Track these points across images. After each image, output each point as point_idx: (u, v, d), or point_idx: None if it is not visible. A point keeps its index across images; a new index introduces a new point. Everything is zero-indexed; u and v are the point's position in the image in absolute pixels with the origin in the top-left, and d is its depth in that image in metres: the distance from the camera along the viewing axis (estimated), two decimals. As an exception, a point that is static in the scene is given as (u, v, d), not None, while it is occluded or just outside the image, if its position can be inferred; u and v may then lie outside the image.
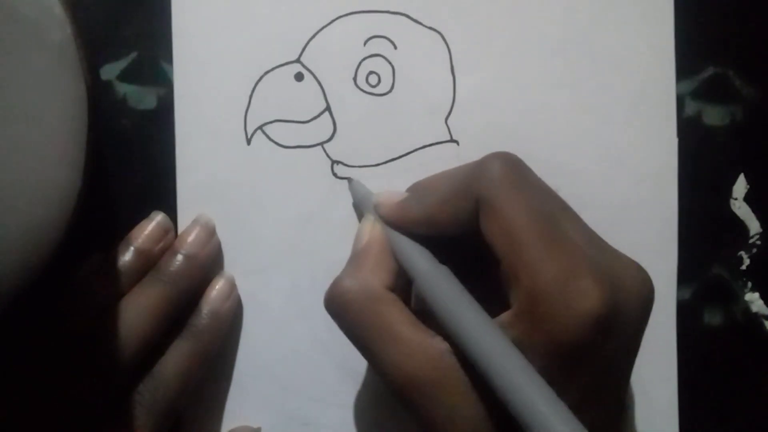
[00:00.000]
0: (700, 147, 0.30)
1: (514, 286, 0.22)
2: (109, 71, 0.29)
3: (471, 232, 0.23)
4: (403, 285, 0.25)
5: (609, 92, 0.30)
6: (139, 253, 0.28)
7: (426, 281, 0.23)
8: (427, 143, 0.29)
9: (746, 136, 0.30)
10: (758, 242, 0.30)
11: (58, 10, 0.26)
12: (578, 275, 0.21)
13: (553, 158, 0.29)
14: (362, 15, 0.29)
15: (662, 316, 0.29)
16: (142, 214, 0.29)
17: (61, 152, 0.25)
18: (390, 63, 0.29)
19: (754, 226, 0.30)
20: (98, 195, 0.29)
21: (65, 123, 0.25)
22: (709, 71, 0.30)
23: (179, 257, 0.28)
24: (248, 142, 0.29)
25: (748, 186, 0.30)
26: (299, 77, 0.29)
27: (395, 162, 0.29)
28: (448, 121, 0.29)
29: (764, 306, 0.30)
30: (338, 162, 0.29)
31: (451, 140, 0.29)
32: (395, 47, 0.29)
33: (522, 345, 0.21)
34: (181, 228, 0.29)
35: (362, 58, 0.29)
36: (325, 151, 0.29)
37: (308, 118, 0.29)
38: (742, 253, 0.30)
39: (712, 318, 0.30)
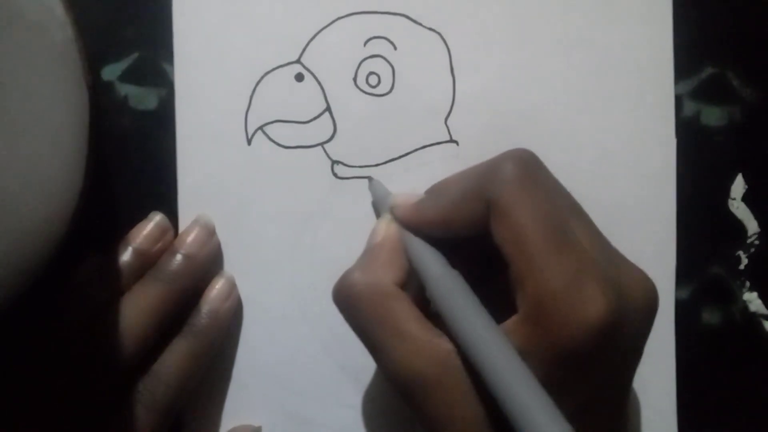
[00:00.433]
0: (699, 147, 0.30)
1: (520, 290, 0.22)
2: (110, 72, 0.29)
3: (484, 235, 0.23)
4: (414, 285, 0.25)
5: (608, 92, 0.30)
6: (138, 253, 0.28)
7: (436, 285, 0.23)
8: (427, 143, 0.30)
9: (744, 137, 0.30)
10: (756, 242, 0.30)
11: (60, 11, 0.26)
12: (585, 282, 0.21)
13: (552, 158, 0.29)
14: (362, 16, 0.29)
15: (661, 315, 0.29)
16: (143, 214, 0.29)
17: (62, 152, 0.25)
18: (390, 63, 0.29)
19: (752, 226, 0.30)
20: (99, 195, 0.29)
21: (66, 123, 0.25)
22: (707, 71, 0.30)
23: (178, 257, 0.28)
24: (249, 142, 0.29)
25: (747, 186, 0.30)
26: (299, 78, 0.29)
27: (395, 162, 0.29)
28: (448, 122, 0.30)
29: (762, 305, 0.31)
30: (338, 162, 0.29)
31: (451, 140, 0.30)
32: (395, 48, 0.29)
33: (527, 350, 0.21)
34: (181, 228, 0.29)
35: (362, 58, 0.29)
36: (325, 151, 0.29)
37: (308, 119, 0.29)
38: (741, 252, 0.31)
39: (711, 318, 0.30)
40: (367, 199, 0.29)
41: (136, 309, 0.26)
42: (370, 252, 0.26)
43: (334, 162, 0.29)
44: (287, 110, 0.29)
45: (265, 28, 0.29)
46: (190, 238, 0.28)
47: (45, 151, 0.23)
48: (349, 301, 0.24)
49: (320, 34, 0.29)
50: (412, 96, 0.29)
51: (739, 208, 0.30)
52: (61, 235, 0.26)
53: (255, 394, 0.29)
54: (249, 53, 0.29)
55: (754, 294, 0.31)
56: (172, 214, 0.29)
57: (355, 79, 0.29)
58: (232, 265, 0.29)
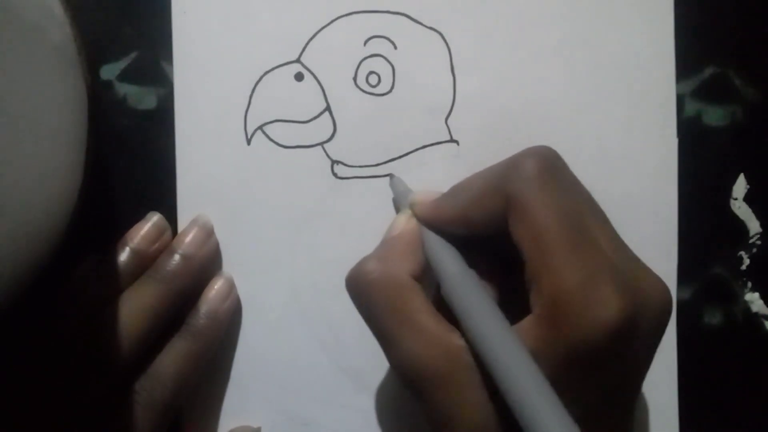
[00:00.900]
0: (700, 147, 0.30)
1: (535, 289, 0.22)
2: (109, 71, 0.29)
3: (503, 233, 0.23)
4: (429, 281, 0.25)
5: (609, 92, 0.30)
6: (135, 254, 0.28)
7: (452, 282, 0.23)
8: (427, 143, 0.29)
9: (746, 136, 0.30)
10: (758, 242, 0.30)
11: (58, 11, 0.26)
12: (601, 283, 0.21)
13: (553, 158, 0.29)
14: (362, 15, 0.29)
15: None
16: (142, 214, 0.29)
17: (61, 152, 0.25)
18: (390, 63, 0.29)
19: (754, 226, 0.30)
20: (98, 195, 0.29)
21: (65, 123, 0.25)
22: (709, 71, 0.30)
23: (176, 257, 0.28)
24: (248, 142, 0.29)
25: (748, 186, 0.30)
26: (299, 77, 0.29)
27: (395, 162, 0.29)
28: (448, 121, 0.29)
29: (764, 306, 0.30)
30: (338, 162, 0.29)
31: (451, 140, 0.29)
32: (395, 47, 0.29)
33: (540, 350, 0.21)
34: (181, 228, 0.29)
35: (362, 58, 0.29)
36: (325, 151, 0.29)
37: (308, 118, 0.29)
38: (742, 253, 0.30)
39: (712, 318, 0.30)
40: (367, 199, 0.29)
41: (134, 309, 0.26)
42: (387, 243, 0.26)
43: (334, 162, 0.29)
44: (287, 110, 0.29)
45: (265, 28, 0.29)
46: (188, 239, 0.28)
47: (43, 151, 0.23)
48: (363, 288, 0.24)
49: (320, 34, 0.29)
50: (413, 95, 0.29)
51: (740, 208, 0.30)
52: (60, 234, 0.26)
53: (254, 394, 0.29)
54: (248, 52, 0.29)
55: (756, 294, 0.30)
56: (171, 214, 0.29)
57: (355, 79, 0.29)
58: (231, 265, 0.29)
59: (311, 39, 0.29)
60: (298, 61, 0.29)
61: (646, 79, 0.30)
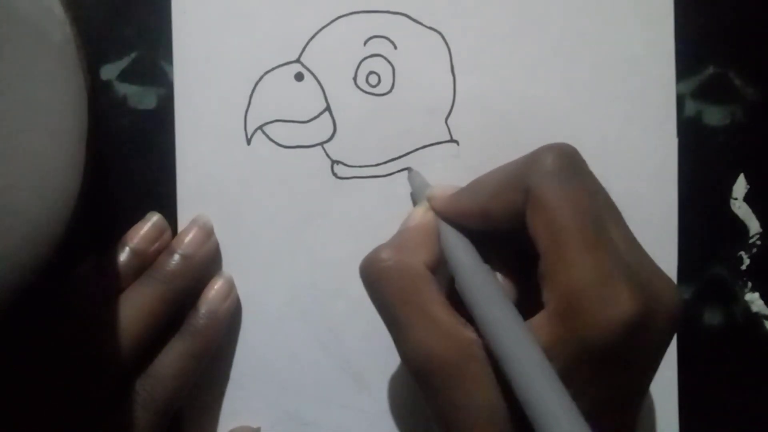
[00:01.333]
0: (700, 147, 0.30)
1: (550, 284, 0.22)
2: (109, 71, 0.29)
3: (520, 228, 0.23)
4: (443, 274, 0.25)
5: (609, 92, 0.30)
6: (135, 254, 0.28)
7: (466, 276, 0.23)
8: (427, 143, 0.29)
9: (746, 136, 0.30)
10: (758, 242, 0.30)
11: (58, 11, 0.26)
12: (615, 281, 0.21)
13: (553, 158, 0.29)
14: (362, 15, 0.29)
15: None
16: (142, 214, 0.29)
17: (61, 152, 0.25)
18: (390, 63, 0.29)
19: (754, 226, 0.30)
20: (98, 195, 0.29)
21: (65, 123, 0.25)
22: (709, 71, 0.30)
23: (176, 257, 0.28)
24: (248, 142, 0.29)
25: (748, 186, 0.30)
26: (299, 77, 0.29)
27: (395, 162, 0.29)
28: (448, 121, 0.29)
29: (764, 306, 0.30)
30: (338, 162, 0.29)
31: (451, 140, 0.29)
32: (395, 47, 0.29)
33: (553, 346, 0.21)
34: (181, 228, 0.29)
35: (362, 58, 0.29)
36: (325, 151, 0.29)
37: (308, 118, 0.29)
38: (742, 253, 0.30)
39: (712, 318, 0.30)
40: (367, 199, 0.29)
41: (134, 309, 0.26)
42: (403, 233, 0.26)
43: (334, 162, 0.29)
44: (287, 110, 0.29)
45: (265, 27, 0.29)
46: (187, 238, 0.28)
47: (43, 151, 0.23)
48: (377, 276, 0.24)
49: (320, 34, 0.29)
50: (413, 95, 0.29)
51: (741, 208, 0.30)
52: (60, 234, 0.26)
53: (254, 394, 0.29)
54: (248, 52, 0.29)
55: (756, 294, 0.30)
56: (171, 214, 0.29)
57: (355, 79, 0.29)
58: (231, 265, 0.29)
59: (311, 39, 0.29)
60: (298, 61, 0.29)
61: (646, 79, 0.30)
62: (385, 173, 0.29)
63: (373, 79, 0.29)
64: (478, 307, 0.22)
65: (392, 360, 0.29)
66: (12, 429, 0.25)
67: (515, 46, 0.29)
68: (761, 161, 0.30)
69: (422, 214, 0.26)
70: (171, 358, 0.27)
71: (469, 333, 0.23)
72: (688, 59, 0.30)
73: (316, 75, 0.29)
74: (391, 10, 0.29)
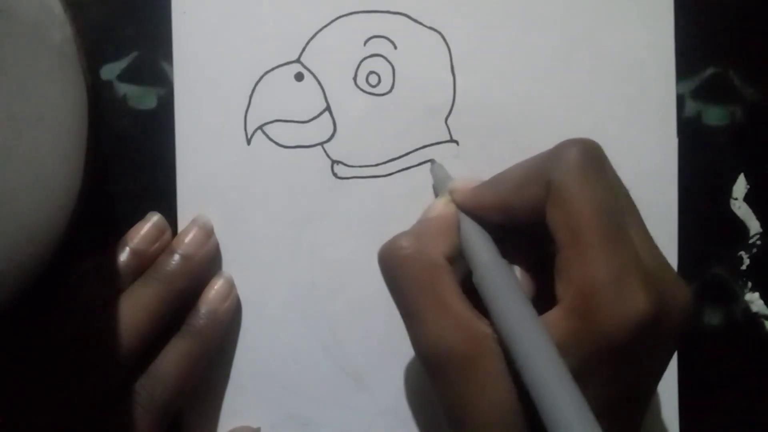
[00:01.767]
0: (700, 147, 0.30)
1: (566, 280, 0.22)
2: (110, 71, 0.29)
3: (540, 223, 0.23)
4: (461, 267, 0.25)
5: (609, 92, 0.29)
6: (135, 254, 0.28)
7: (484, 270, 0.23)
8: (427, 143, 0.29)
9: (746, 136, 0.30)
10: (758, 242, 0.30)
11: (59, 11, 0.26)
12: (631, 278, 0.21)
13: (553, 158, 0.29)
14: (362, 15, 0.29)
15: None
16: (142, 214, 0.29)
17: (61, 152, 0.25)
18: (390, 63, 0.29)
19: (754, 226, 0.30)
20: (98, 195, 0.29)
21: (65, 123, 0.25)
22: (709, 71, 0.30)
23: (176, 257, 0.28)
24: (248, 142, 0.29)
25: (748, 186, 0.30)
26: (299, 77, 0.29)
27: (395, 162, 0.29)
28: (448, 121, 0.29)
29: (764, 306, 0.30)
30: (338, 162, 0.29)
31: (451, 140, 0.29)
32: (395, 47, 0.29)
33: (567, 342, 0.21)
34: (181, 228, 0.29)
35: (362, 58, 0.29)
36: (325, 151, 0.29)
37: (308, 118, 0.29)
38: (742, 253, 0.30)
39: (712, 318, 0.30)
40: (367, 199, 0.29)
41: (134, 309, 0.26)
42: (423, 223, 0.26)
43: (334, 162, 0.29)
44: (287, 110, 0.29)
45: (265, 28, 0.29)
46: (188, 239, 0.28)
47: (44, 151, 0.23)
48: (394, 263, 0.24)
49: (320, 34, 0.29)
50: (413, 95, 0.29)
51: (741, 208, 0.30)
52: (60, 234, 0.26)
53: (254, 394, 0.29)
54: (248, 52, 0.29)
55: (756, 294, 0.30)
56: (171, 214, 0.29)
57: (355, 79, 0.29)
58: (231, 265, 0.29)
59: (311, 39, 0.29)
60: (298, 61, 0.29)
61: (646, 79, 0.30)
62: (385, 173, 0.29)
63: (373, 79, 0.29)
64: (494, 302, 0.22)
65: (392, 360, 0.29)
66: (12, 429, 0.25)
67: (515, 46, 0.29)
68: (761, 161, 0.30)
69: (443, 205, 0.26)
70: (171, 359, 0.27)
71: (484, 327, 0.23)
72: (688, 59, 0.30)
73: (316, 75, 0.29)
74: (391, 10, 0.29)
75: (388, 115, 0.29)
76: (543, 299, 0.23)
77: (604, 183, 0.23)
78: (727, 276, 0.30)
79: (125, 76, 0.29)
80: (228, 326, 0.29)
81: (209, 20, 0.29)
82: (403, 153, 0.29)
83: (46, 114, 0.24)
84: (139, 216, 0.29)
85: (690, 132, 0.30)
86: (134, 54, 0.29)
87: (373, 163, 0.29)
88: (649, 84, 0.30)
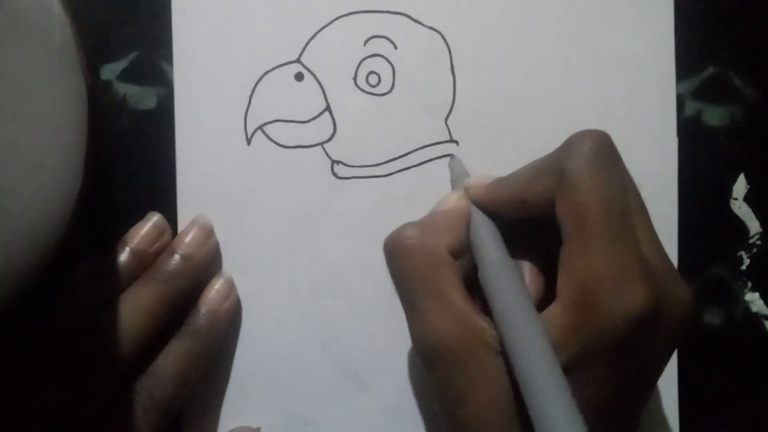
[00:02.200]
0: (700, 147, 0.30)
1: (567, 273, 0.22)
2: (109, 71, 0.29)
3: (552, 216, 0.23)
4: (466, 263, 0.25)
5: (609, 92, 0.30)
6: (135, 254, 0.28)
7: (490, 268, 0.23)
8: (427, 143, 0.29)
9: (746, 136, 0.30)
10: (758, 242, 0.30)
11: (58, 10, 0.26)
12: (632, 274, 0.21)
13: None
14: (362, 15, 0.29)
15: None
16: (142, 214, 0.29)
17: (61, 152, 0.25)
18: (390, 63, 0.29)
19: (754, 226, 0.30)
20: (98, 195, 0.29)
21: (65, 123, 0.25)
22: (709, 71, 0.30)
23: (176, 257, 0.28)
24: (248, 142, 0.29)
25: (748, 186, 0.30)
26: (299, 77, 0.29)
27: (395, 162, 0.29)
28: (448, 121, 0.29)
29: (764, 306, 0.30)
30: (338, 162, 0.29)
31: (451, 140, 0.29)
32: (395, 47, 0.29)
33: (566, 337, 0.21)
34: (181, 228, 0.29)
35: (362, 58, 0.29)
36: (325, 151, 0.29)
37: (308, 118, 0.29)
38: (742, 253, 0.30)
39: (713, 318, 0.30)
40: (367, 199, 0.29)
41: (134, 309, 0.26)
42: (432, 215, 0.26)
43: (334, 162, 0.29)
44: (287, 110, 0.29)
45: (265, 27, 0.29)
46: (188, 239, 0.28)
47: (43, 151, 0.23)
48: (399, 252, 0.24)
49: (320, 34, 0.29)
50: (413, 95, 0.29)
51: (741, 208, 0.30)
52: (60, 234, 0.26)
53: (254, 394, 0.29)
54: (248, 52, 0.29)
55: (756, 294, 0.30)
56: (171, 214, 0.29)
57: (355, 79, 0.29)
58: (231, 265, 0.29)
59: (311, 39, 0.29)
60: (298, 61, 0.29)
61: (646, 79, 0.30)
62: (385, 173, 0.29)
63: (373, 79, 0.29)
64: (495, 298, 0.23)
65: (392, 360, 0.29)
66: (12, 429, 0.25)
67: (515, 46, 0.29)
68: (761, 161, 0.30)
69: (455, 199, 0.26)
70: (171, 359, 0.27)
71: (481, 321, 0.23)
72: (688, 59, 0.30)
73: (316, 75, 0.29)
74: (391, 10, 0.29)
75: (388, 115, 0.29)
76: (552, 298, 0.23)
77: (616, 176, 0.23)
78: (727, 276, 0.30)
79: (125, 76, 0.29)
80: (228, 326, 0.29)
81: (209, 20, 0.29)
82: (403, 153, 0.29)
83: (46, 114, 0.24)
84: (138, 216, 0.29)
85: (690, 132, 0.30)
86: (134, 54, 0.29)
87: (373, 163, 0.29)
88: (649, 84, 0.30)
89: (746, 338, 0.30)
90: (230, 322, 0.29)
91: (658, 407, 0.30)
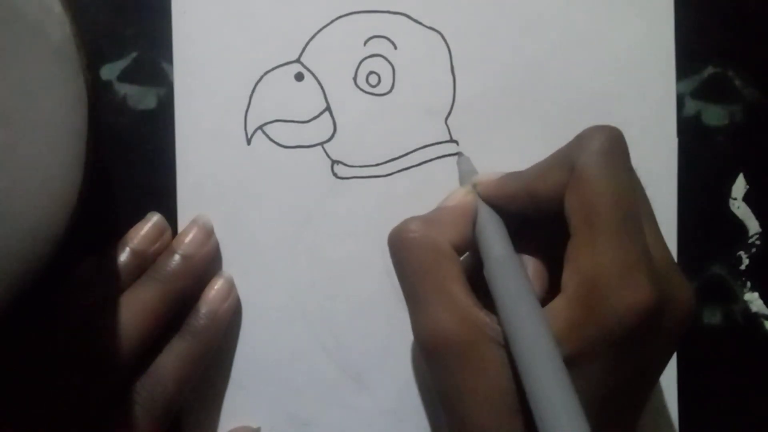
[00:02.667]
0: (700, 147, 0.30)
1: (573, 266, 0.22)
2: (109, 71, 0.29)
3: (560, 212, 0.23)
4: (471, 259, 0.25)
5: (609, 91, 0.30)
6: (135, 254, 0.28)
7: (495, 264, 0.23)
8: (427, 143, 0.29)
9: (746, 136, 0.30)
10: (757, 242, 0.30)
11: (58, 10, 0.26)
12: (637, 270, 0.21)
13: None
14: (362, 15, 0.29)
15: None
16: (142, 214, 0.29)
17: (61, 152, 0.25)
18: (390, 63, 0.29)
19: (753, 225, 0.30)
20: (98, 195, 0.29)
21: (65, 123, 0.25)
22: (708, 71, 0.30)
23: (176, 257, 0.28)
24: (248, 142, 0.29)
25: (748, 186, 0.30)
26: (299, 77, 0.29)
27: (395, 162, 0.29)
28: (448, 121, 0.29)
29: (763, 306, 0.30)
30: (338, 162, 0.29)
31: (451, 140, 0.29)
32: (395, 47, 0.29)
33: (570, 331, 0.21)
34: (181, 228, 0.29)
35: (362, 58, 0.29)
36: (325, 151, 0.29)
37: (308, 118, 0.29)
38: (742, 253, 0.30)
39: (712, 318, 0.30)
40: (367, 199, 0.29)
41: (134, 309, 0.26)
42: (438, 210, 0.26)
43: (334, 162, 0.29)
44: (287, 110, 0.29)
45: (265, 28, 0.29)
46: (188, 239, 0.28)
47: (43, 151, 0.23)
48: (402, 246, 0.24)
49: (320, 34, 0.29)
50: (412, 96, 0.29)
51: (740, 208, 0.30)
52: (60, 235, 0.26)
53: (254, 394, 0.29)
54: (248, 52, 0.29)
55: (756, 294, 0.30)
56: (171, 214, 0.29)
57: (355, 79, 0.29)
58: (231, 265, 0.29)
59: (311, 39, 0.29)
60: (298, 61, 0.29)
61: (646, 79, 0.30)
62: (385, 173, 0.29)
63: (373, 79, 0.29)
64: (500, 294, 0.23)
65: (392, 360, 0.29)
66: (13, 429, 0.25)
67: (515, 46, 0.29)
68: (761, 161, 0.30)
69: (462, 195, 0.26)
70: (171, 359, 0.27)
71: (483, 316, 0.23)
72: (688, 59, 0.30)
73: (316, 75, 0.29)
74: (391, 10, 0.29)
75: (388, 115, 0.29)
76: (552, 291, 0.23)
77: (625, 173, 0.23)
78: (726, 276, 0.30)
79: (125, 76, 0.29)
80: (228, 326, 0.29)
81: (209, 20, 0.29)
82: (403, 153, 0.29)
83: (46, 114, 0.24)
84: (139, 216, 0.29)
85: (690, 132, 0.30)
86: (134, 54, 0.29)
87: (373, 163, 0.29)
88: (649, 84, 0.30)
89: (745, 338, 0.30)
90: (230, 322, 0.29)
91: (658, 407, 0.30)
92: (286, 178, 0.29)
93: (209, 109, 0.29)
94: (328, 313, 0.29)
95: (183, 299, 0.28)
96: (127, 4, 0.29)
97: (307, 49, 0.29)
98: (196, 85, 0.29)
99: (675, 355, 0.30)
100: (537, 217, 0.25)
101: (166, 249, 0.28)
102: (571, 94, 0.29)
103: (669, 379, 0.30)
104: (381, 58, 0.29)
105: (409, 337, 0.29)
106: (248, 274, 0.29)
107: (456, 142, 0.29)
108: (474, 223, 0.25)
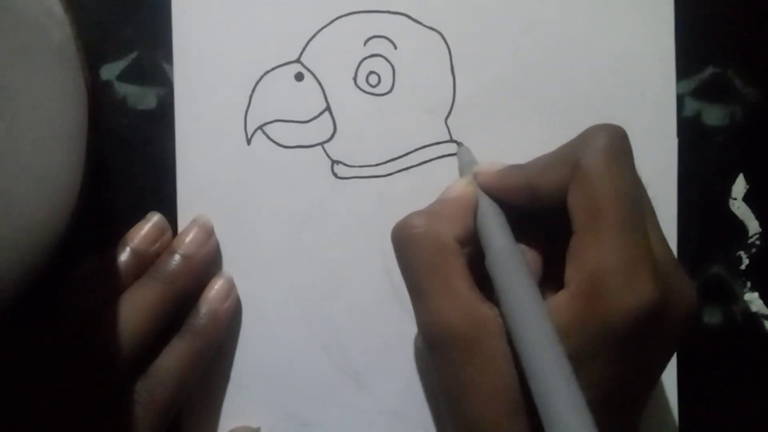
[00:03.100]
0: (700, 147, 0.30)
1: (577, 263, 0.22)
2: (109, 71, 0.29)
3: (560, 207, 0.23)
4: (473, 250, 0.25)
5: (609, 91, 0.30)
6: (135, 254, 0.28)
7: (497, 255, 0.23)
8: (427, 143, 0.29)
9: (746, 136, 0.30)
10: (757, 242, 0.30)
11: (58, 10, 0.26)
12: (641, 268, 0.21)
13: (553, 158, 0.29)
14: (362, 15, 0.29)
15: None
16: (142, 214, 0.29)
17: (61, 152, 0.25)
18: (390, 63, 0.29)
19: (753, 226, 0.30)
20: (98, 195, 0.29)
21: (65, 123, 0.25)
22: (708, 71, 0.30)
23: (176, 257, 0.28)
24: (248, 142, 0.29)
25: (748, 186, 0.30)
26: (299, 77, 0.29)
27: (395, 162, 0.29)
28: (448, 121, 0.29)
29: (763, 306, 0.30)
30: (338, 162, 0.29)
31: (451, 140, 0.29)
32: (395, 47, 0.29)
33: (573, 326, 0.21)
34: (181, 228, 0.29)
35: (362, 58, 0.29)
36: (325, 151, 0.29)
37: (308, 118, 0.29)
38: (742, 253, 0.30)
39: (712, 318, 0.30)
40: (367, 199, 0.29)
41: (134, 309, 0.26)
42: (440, 203, 0.26)
43: (334, 162, 0.29)
44: (287, 110, 0.29)
45: (265, 28, 0.29)
46: (188, 239, 0.28)
47: (43, 151, 0.23)
48: (406, 241, 0.24)
49: (320, 34, 0.29)
50: (413, 95, 0.29)
51: (740, 208, 0.30)
52: (60, 235, 0.26)
53: (254, 394, 0.29)
54: (248, 52, 0.29)
55: (756, 294, 0.30)
56: (172, 214, 0.29)
57: (355, 79, 0.29)
58: (231, 265, 0.29)
59: (311, 39, 0.29)
60: (298, 61, 0.29)
61: (646, 79, 0.30)
62: (385, 173, 0.29)
63: (373, 79, 0.29)
64: (501, 286, 0.23)
65: (392, 360, 0.29)
66: (13, 429, 0.25)
67: (515, 46, 0.29)
68: (761, 161, 0.30)
69: (463, 186, 0.26)
70: (171, 359, 0.27)
71: (488, 309, 0.23)
72: (688, 59, 0.30)
73: (316, 75, 0.29)
74: (391, 10, 0.29)
75: (388, 115, 0.29)
76: (551, 286, 0.23)
77: (629, 172, 0.23)
78: (726, 276, 0.30)
79: (125, 76, 0.29)
80: (228, 326, 0.29)
81: (209, 20, 0.29)
82: (403, 153, 0.29)
83: (45, 114, 0.24)
84: (139, 216, 0.29)
85: (690, 132, 0.30)
86: (134, 54, 0.29)
87: (373, 163, 0.29)
88: (649, 84, 0.30)
89: (745, 338, 0.30)
90: (230, 322, 0.29)
91: (658, 406, 0.30)
92: (286, 178, 0.29)
93: (209, 109, 0.29)
94: (328, 313, 0.29)
95: (183, 299, 0.28)
96: (127, 4, 0.29)
97: (307, 49, 0.29)
98: (196, 85, 0.29)
99: (675, 355, 0.30)
100: (535, 211, 0.25)
101: (167, 249, 0.28)
102: (571, 94, 0.29)
103: (669, 379, 0.30)
104: (381, 58, 0.29)
105: (409, 337, 0.29)
106: (248, 274, 0.29)
107: (456, 142, 0.29)
108: (475, 214, 0.25)
